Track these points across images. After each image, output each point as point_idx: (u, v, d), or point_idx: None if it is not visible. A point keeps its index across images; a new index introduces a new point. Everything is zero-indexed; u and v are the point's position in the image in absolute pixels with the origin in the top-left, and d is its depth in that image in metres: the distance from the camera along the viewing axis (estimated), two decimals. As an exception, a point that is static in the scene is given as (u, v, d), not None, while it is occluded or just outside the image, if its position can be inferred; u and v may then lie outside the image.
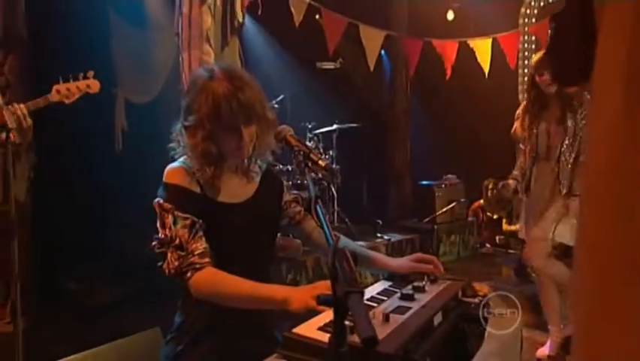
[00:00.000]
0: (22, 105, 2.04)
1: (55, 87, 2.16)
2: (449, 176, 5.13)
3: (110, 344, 2.27)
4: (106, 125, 4.25)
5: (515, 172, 2.72)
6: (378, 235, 4.62)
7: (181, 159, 1.33)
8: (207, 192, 1.30)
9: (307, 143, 4.14)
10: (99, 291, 3.47)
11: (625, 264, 0.35)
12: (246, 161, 1.39)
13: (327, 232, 0.80)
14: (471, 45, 4.16)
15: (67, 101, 2.16)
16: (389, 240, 4.53)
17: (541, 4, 4.94)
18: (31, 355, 2.21)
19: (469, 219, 5.20)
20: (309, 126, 4.45)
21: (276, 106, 4.51)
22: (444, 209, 4.88)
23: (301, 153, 1.18)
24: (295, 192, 1.54)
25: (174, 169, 1.30)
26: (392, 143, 5.30)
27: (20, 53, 2.89)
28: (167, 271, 1.21)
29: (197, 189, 1.29)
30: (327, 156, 4.41)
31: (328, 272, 0.68)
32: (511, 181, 2.73)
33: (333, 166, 4.42)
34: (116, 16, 4.31)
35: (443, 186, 5.04)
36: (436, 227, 4.78)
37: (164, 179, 1.30)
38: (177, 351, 1.28)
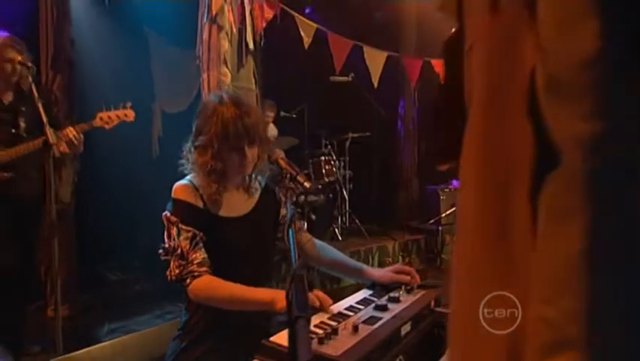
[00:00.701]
0: (71, 128, 2.23)
1: (98, 115, 2.32)
2: (454, 181, 5.07)
3: (136, 333, 2.36)
4: (144, 133, 4.40)
5: None
6: (387, 235, 4.61)
7: (188, 176, 1.37)
8: (210, 207, 1.34)
9: (320, 156, 4.15)
10: (134, 283, 3.59)
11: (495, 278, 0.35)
12: (247, 178, 1.43)
13: (293, 256, 0.82)
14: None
15: (107, 127, 2.32)
16: (396, 240, 4.51)
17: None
18: (70, 339, 2.34)
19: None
20: (324, 134, 4.48)
21: (294, 116, 4.58)
22: (448, 211, 4.82)
23: (288, 175, 1.21)
24: (292, 207, 1.57)
25: (181, 186, 1.35)
26: (400, 150, 5.28)
27: (67, 72, 3.02)
28: (169, 277, 1.26)
29: (201, 205, 1.33)
30: (340, 162, 4.42)
31: (286, 294, 0.70)
32: None
33: (347, 172, 4.44)
34: (153, 35, 4.46)
35: (448, 189, 4.98)
36: (440, 228, 4.72)
37: (172, 194, 1.35)
38: (181, 348, 1.33)
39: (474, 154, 0.35)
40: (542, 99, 0.31)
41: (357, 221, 4.41)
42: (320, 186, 4.14)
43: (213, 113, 1.30)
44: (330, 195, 4.33)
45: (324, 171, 4.14)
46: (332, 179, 4.19)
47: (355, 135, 4.49)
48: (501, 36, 0.34)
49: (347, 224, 4.48)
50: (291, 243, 0.88)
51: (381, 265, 4.06)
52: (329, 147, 4.43)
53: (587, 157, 0.29)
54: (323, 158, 4.21)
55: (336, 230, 4.23)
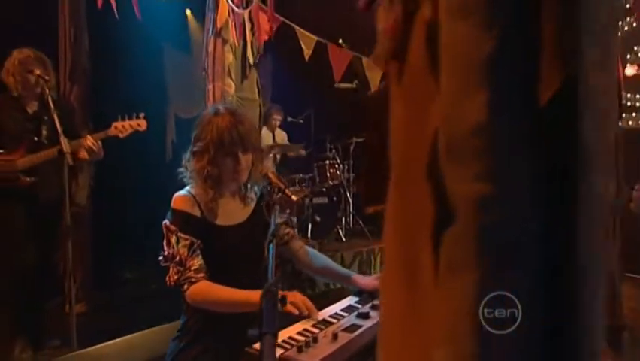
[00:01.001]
0: (89, 136, 2.30)
1: (114, 124, 2.39)
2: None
3: (141, 332, 2.42)
4: (158, 138, 4.48)
5: None
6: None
7: (187, 187, 1.41)
8: (207, 215, 1.37)
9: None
10: (148, 281, 3.65)
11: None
12: (242, 187, 1.45)
13: (270, 271, 0.85)
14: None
15: (121, 136, 2.39)
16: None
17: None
18: (86, 335, 2.41)
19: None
20: (329, 138, 4.51)
21: (301, 121, 4.61)
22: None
23: (276, 188, 1.23)
24: (286, 215, 1.59)
25: (180, 196, 1.38)
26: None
27: (83, 83, 3.09)
28: (168, 282, 1.30)
29: (198, 213, 1.36)
30: (344, 166, 4.44)
31: (259, 310, 0.72)
32: None
33: (350, 175, 4.45)
34: (167, 44, 4.54)
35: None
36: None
37: (171, 204, 1.38)
38: (180, 348, 1.36)
39: (392, 204, 0.37)
40: (441, 160, 0.33)
41: (360, 222, 4.42)
42: (324, 189, 4.17)
43: (209, 122, 1.34)
44: (334, 198, 4.35)
45: (328, 174, 4.17)
46: (336, 182, 4.22)
47: (359, 140, 4.50)
48: (412, 98, 0.35)
49: (350, 225, 4.49)
50: (270, 258, 0.90)
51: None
52: (333, 151, 4.45)
53: (477, 216, 0.31)
54: (328, 162, 4.24)
55: (340, 231, 4.25)
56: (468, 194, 0.31)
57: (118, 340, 2.39)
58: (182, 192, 1.39)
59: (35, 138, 2.35)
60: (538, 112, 0.30)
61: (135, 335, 2.45)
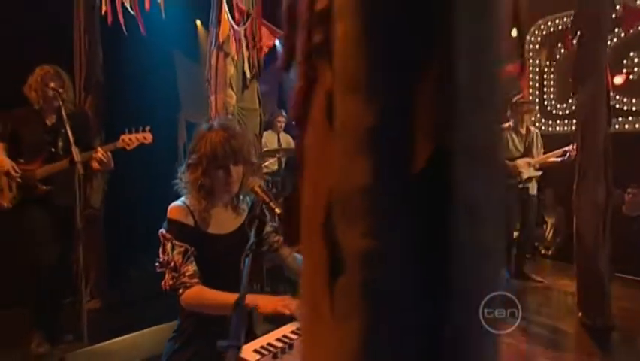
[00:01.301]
0: (99, 148, 2.40)
1: (122, 137, 2.47)
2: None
3: (149, 329, 2.48)
4: (170, 142, 4.57)
5: None
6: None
7: (181, 198, 1.46)
8: (200, 224, 1.42)
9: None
10: (155, 280, 3.71)
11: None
12: (234, 198, 1.49)
13: (243, 283, 0.88)
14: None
15: (128, 148, 2.47)
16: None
17: (544, 32, 4.69)
18: (98, 331, 2.49)
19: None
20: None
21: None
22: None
23: (261, 202, 1.26)
24: (275, 224, 1.63)
25: (175, 207, 1.43)
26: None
27: (97, 93, 3.17)
28: (163, 287, 1.35)
29: (192, 223, 1.41)
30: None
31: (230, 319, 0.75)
32: None
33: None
34: (178, 53, 4.62)
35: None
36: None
37: (167, 214, 1.43)
38: (174, 349, 1.41)
39: (303, 246, 0.40)
40: (334, 216, 0.35)
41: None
42: None
43: (203, 136, 1.39)
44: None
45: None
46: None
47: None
48: (314, 158, 0.38)
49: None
50: (245, 270, 0.93)
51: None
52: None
53: (361, 270, 0.34)
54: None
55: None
56: (354, 249, 0.34)
57: (126, 336, 2.46)
58: (177, 202, 1.44)
59: (52, 149, 2.44)
60: (414, 177, 0.33)
61: (142, 332, 2.51)
